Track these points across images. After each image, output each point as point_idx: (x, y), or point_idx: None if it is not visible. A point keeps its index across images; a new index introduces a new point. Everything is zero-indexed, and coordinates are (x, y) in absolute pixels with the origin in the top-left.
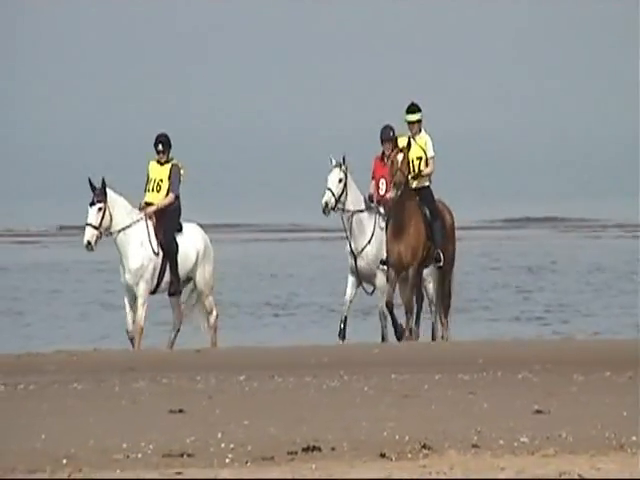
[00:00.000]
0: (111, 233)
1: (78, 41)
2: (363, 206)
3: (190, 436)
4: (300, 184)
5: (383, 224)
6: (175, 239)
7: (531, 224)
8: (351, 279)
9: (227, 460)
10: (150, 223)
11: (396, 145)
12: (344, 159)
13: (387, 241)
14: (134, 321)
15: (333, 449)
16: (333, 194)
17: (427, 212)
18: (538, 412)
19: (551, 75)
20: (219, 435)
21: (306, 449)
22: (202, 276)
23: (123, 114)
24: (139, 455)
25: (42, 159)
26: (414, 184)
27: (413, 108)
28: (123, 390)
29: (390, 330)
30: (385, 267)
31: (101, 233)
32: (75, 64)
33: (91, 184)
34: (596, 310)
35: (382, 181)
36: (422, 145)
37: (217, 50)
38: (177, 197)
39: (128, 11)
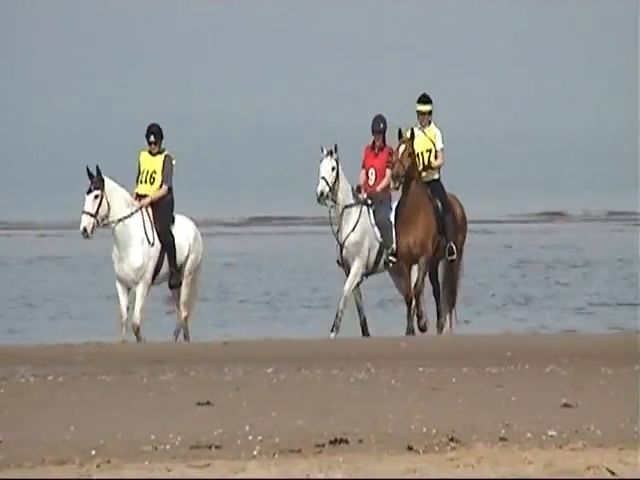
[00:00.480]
0: (109, 222)
1: (78, 41)
2: (352, 199)
3: (218, 428)
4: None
5: (367, 213)
6: (171, 231)
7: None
8: (343, 271)
9: (255, 452)
10: (147, 215)
11: (400, 136)
12: (335, 147)
13: (396, 233)
14: (128, 316)
15: (360, 442)
16: (327, 183)
17: (439, 205)
18: (566, 405)
19: (551, 75)
20: (247, 427)
21: (333, 442)
22: (188, 267)
23: (124, 114)
24: (167, 447)
25: (42, 157)
26: (423, 176)
27: (424, 99)
28: (151, 382)
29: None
30: (393, 259)
31: (98, 221)
32: (75, 64)
33: (89, 172)
34: None
35: (372, 171)
36: (431, 137)
37: (217, 50)
38: (170, 189)
39: (128, 10)
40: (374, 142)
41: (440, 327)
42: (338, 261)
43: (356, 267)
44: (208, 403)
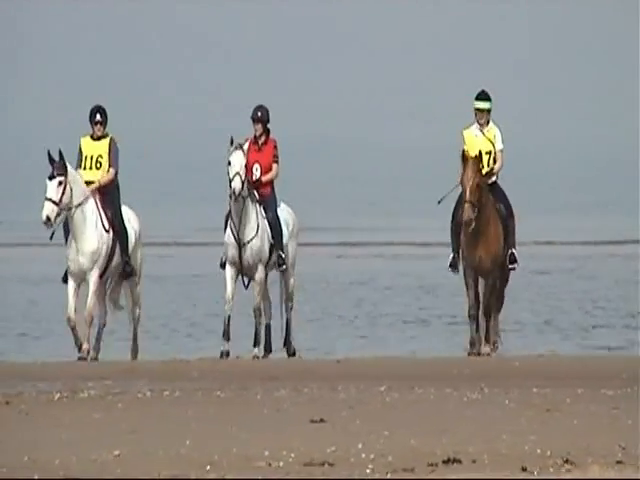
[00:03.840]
0: (68, 210)
1: (78, 41)
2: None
3: (331, 446)
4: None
5: (264, 214)
6: (122, 217)
7: None
8: (230, 272)
9: (368, 470)
10: (98, 201)
11: (465, 158)
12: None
13: (465, 245)
14: (76, 309)
15: (474, 462)
16: (241, 177)
17: (503, 209)
18: None
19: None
20: (360, 445)
21: (446, 461)
22: (135, 259)
23: (125, 114)
24: (281, 463)
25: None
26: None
27: (483, 95)
28: (265, 398)
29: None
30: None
31: (61, 209)
32: (76, 64)
33: (50, 157)
34: None
35: (256, 167)
36: (491, 138)
37: (223, 51)
38: (116, 173)
39: (130, 10)
40: (255, 135)
41: (489, 338)
42: (226, 262)
43: (260, 274)
44: (321, 420)
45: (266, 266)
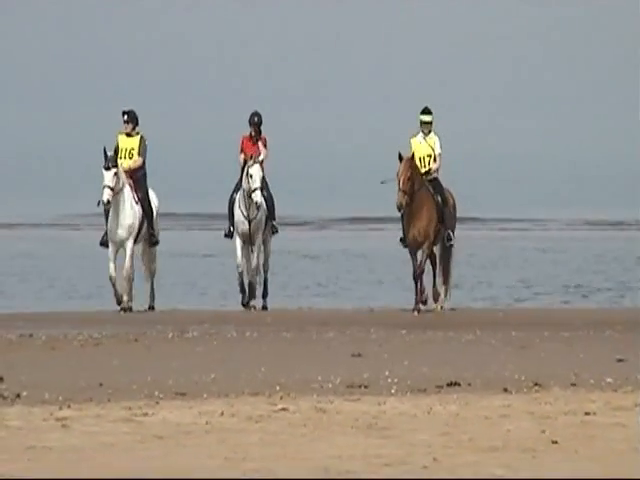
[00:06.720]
0: (116, 193)
1: (79, 41)
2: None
3: (366, 373)
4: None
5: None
6: (149, 198)
7: None
8: (239, 243)
9: (392, 391)
10: (132, 185)
11: (400, 159)
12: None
13: (404, 224)
14: (115, 269)
15: (469, 384)
16: (262, 192)
17: (439, 199)
18: (620, 360)
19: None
20: (386, 373)
21: (449, 384)
22: (157, 228)
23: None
24: (330, 385)
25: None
26: (425, 177)
27: (427, 110)
28: (319, 338)
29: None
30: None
31: (114, 193)
32: (78, 64)
33: (105, 152)
34: None
35: (251, 156)
36: (431, 144)
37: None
38: (144, 162)
39: (133, 11)
40: (251, 133)
41: (436, 297)
42: (232, 233)
43: (261, 242)
44: (359, 355)
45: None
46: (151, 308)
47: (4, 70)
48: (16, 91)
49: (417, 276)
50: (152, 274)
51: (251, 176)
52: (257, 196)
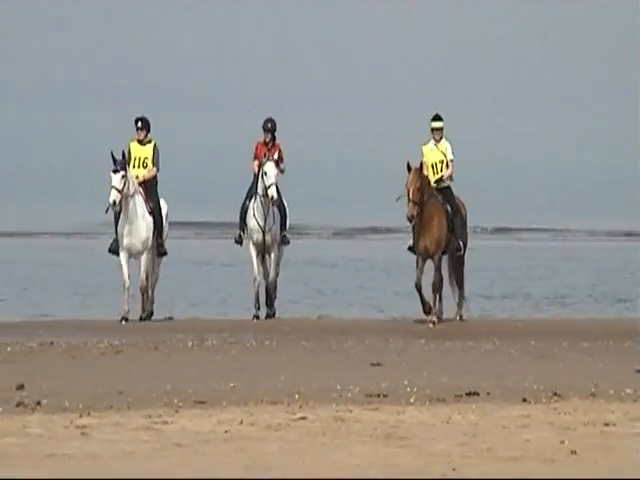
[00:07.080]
0: (126, 197)
1: (79, 41)
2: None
3: (385, 382)
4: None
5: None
6: (160, 207)
7: None
8: (254, 253)
9: (411, 400)
10: (143, 193)
11: (409, 168)
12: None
13: (415, 234)
14: (129, 277)
15: (488, 394)
16: (277, 187)
17: (449, 209)
18: (639, 371)
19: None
20: (405, 382)
21: (468, 394)
22: (165, 238)
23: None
24: (349, 394)
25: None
26: (435, 185)
27: (438, 117)
28: (338, 347)
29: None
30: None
31: (122, 196)
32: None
33: (113, 156)
34: None
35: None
36: (443, 150)
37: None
38: (157, 171)
39: (134, 11)
40: (265, 139)
41: (460, 317)
42: (242, 239)
43: (277, 253)
44: (378, 364)
45: (279, 244)
46: (150, 313)
47: (4, 70)
48: (16, 91)
49: (419, 286)
50: (154, 282)
51: (265, 173)
52: (273, 191)
